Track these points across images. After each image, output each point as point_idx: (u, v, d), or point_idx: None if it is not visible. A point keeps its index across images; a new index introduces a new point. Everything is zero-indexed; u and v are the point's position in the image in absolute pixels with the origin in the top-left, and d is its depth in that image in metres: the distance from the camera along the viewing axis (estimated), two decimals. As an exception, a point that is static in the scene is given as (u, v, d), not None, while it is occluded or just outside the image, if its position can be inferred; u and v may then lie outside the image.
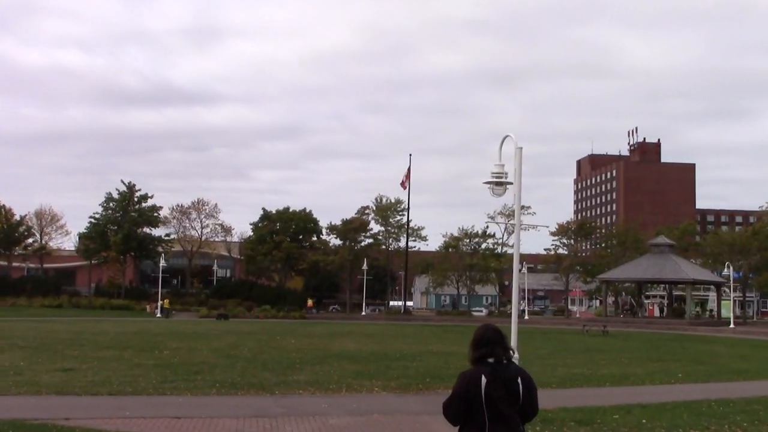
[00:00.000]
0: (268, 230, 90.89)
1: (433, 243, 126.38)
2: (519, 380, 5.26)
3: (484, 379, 5.17)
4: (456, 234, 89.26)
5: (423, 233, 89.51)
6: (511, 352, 5.36)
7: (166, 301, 74.75)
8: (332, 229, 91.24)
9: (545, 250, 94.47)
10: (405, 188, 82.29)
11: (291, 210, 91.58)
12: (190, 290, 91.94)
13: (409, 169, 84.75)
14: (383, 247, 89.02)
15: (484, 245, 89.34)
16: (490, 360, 5.29)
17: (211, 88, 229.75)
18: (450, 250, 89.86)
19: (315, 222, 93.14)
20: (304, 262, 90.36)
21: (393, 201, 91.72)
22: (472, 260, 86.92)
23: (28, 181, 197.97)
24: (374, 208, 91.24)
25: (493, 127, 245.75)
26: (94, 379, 19.64)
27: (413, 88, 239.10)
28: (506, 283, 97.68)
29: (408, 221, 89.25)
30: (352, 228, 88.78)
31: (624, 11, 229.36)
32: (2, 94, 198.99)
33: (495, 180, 15.35)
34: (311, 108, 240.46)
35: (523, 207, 68.83)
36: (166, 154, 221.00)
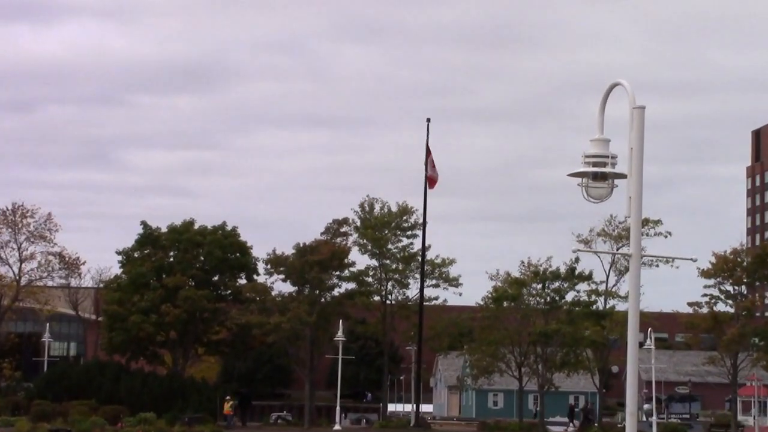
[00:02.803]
0: (151, 266, 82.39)
1: (471, 290, 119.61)
2: None
3: None
4: (516, 273, 79.56)
5: (451, 272, 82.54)
6: None
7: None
8: (277, 263, 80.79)
9: (690, 305, 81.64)
10: (433, 186, 77.68)
11: (198, 227, 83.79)
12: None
13: (429, 151, 77.07)
14: (375, 298, 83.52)
15: (570, 295, 79.40)
16: None
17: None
18: (505, 304, 79.42)
19: (245, 250, 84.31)
20: (223, 329, 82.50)
21: (394, 209, 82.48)
22: (548, 325, 76.28)
23: None
24: (358, 222, 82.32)
25: (586, 67, 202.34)
26: None
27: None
28: (614, 368, 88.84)
29: (424, 249, 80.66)
30: (315, 261, 77.91)
31: None
32: None
33: (592, 170, 13.65)
34: (229, 31, 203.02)
35: (646, 222, 67.58)
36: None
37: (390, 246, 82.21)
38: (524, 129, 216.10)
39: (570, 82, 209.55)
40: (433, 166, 76.65)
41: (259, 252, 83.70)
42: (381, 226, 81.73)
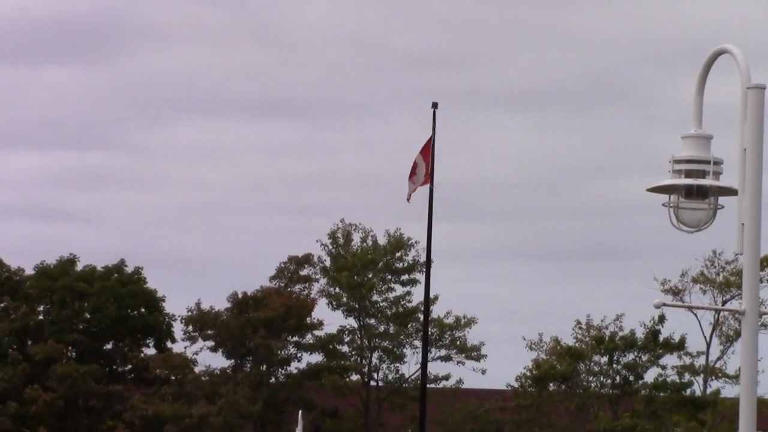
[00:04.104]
0: (9, 328, 74.85)
1: (499, 366, 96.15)
2: None
3: None
4: (567, 340, 72.45)
5: (470, 337, 74.67)
6: None
7: None
8: (203, 323, 73.61)
9: None
10: (410, 197, 60.65)
11: (83, 268, 77.13)
12: None
13: (429, 146, 61.39)
14: (354, 377, 76.46)
15: (652, 373, 71.84)
16: None
17: None
18: (552, 387, 72.96)
19: (154, 303, 77.31)
20: (120, 423, 74.01)
21: (382, 241, 75.44)
22: (619, 419, 69.41)
23: None
24: (327, 261, 75.58)
25: (674, 29, 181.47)
26: None
27: None
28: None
29: (428, 301, 67.51)
30: (262, 321, 71.55)
31: None
32: None
33: (685, 182, 11.79)
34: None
35: None
36: None
37: (376, 297, 73.88)
38: (577, 119, 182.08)
39: (649, 50, 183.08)
40: (428, 171, 63.25)
41: (176, 306, 76.40)
42: (362, 267, 73.36)
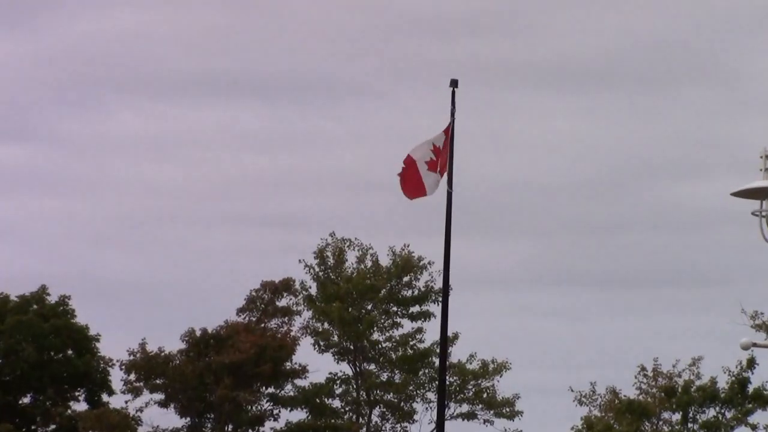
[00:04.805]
0: None
1: (539, 424, 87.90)
2: None
3: None
4: (629, 391, 66.40)
5: (501, 388, 69.61)
6: None
7: None
8: (150, 369, 67.85)
9: None
10: (412, 197, 37.33)
11: None
12: None
13: (447, 136, 41.30)
14: None
15: None
16: None
17: None
18: None
19: (85, 342, 70.97)
20: None
21: (385, 262, 69.45)
22: None
23: None
24: (313, 289, 68.83)
25: None
26: None
27: None
28: None
29: (445, 341, 45.01)
30: (227, 367, 65.86)
31: None
32: None
33: None
34: None
35: None
36: None
37: (377, 336, 67.72)
38: (641, 101, 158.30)
39: (736, 13, 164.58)
40: (444, 163, 62.48)
41: (114, 348, 70.74)
42: (359, 296, 67.11)
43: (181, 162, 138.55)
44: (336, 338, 66.59)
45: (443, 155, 48.25)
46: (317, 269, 66.73)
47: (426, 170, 46.06)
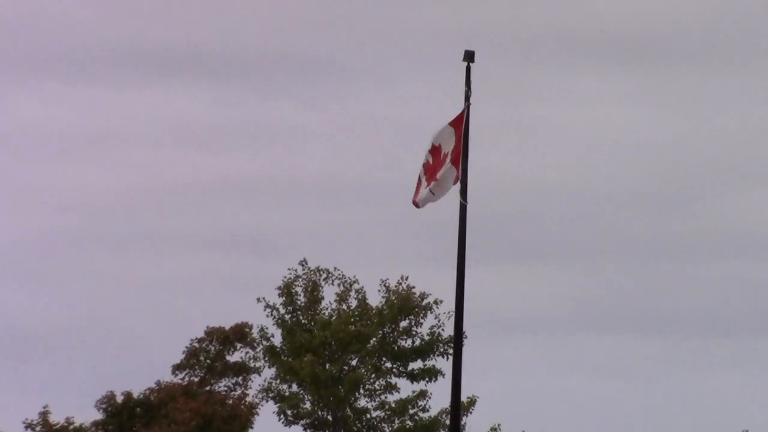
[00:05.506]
0: None
1: None
2: None
3: None
4: None
5: None
6: None
7: None
8: None
9: None
10: (419, 204, 24.66)
11: None
12: None
13: (460, 126, 23.65)
14: None
15: None
16: None
17: None
18: None
19: None
20: None
21: (375, 301, 64.06)
22: None
23: None
24: (278, 336, 64.26)
25: None
26: None
27: None
28: None
29: (457, 406, 23.62)
30: None
31: None
32: None
33: None
34: None
35: None
36: None
37: (365, 402, 62.13)
38: (715, 82, 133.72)
39: None
40: (456, 169, 49.22)
41: (8, 417, 64.24)
42: (340, 347, 62.06)
43: (102, 165, 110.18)
44: (308, 405, 60.41)
45: (455, 153, 36.35)
46: (282, 311, 60.33)
47: (423, 176, 34.48)
